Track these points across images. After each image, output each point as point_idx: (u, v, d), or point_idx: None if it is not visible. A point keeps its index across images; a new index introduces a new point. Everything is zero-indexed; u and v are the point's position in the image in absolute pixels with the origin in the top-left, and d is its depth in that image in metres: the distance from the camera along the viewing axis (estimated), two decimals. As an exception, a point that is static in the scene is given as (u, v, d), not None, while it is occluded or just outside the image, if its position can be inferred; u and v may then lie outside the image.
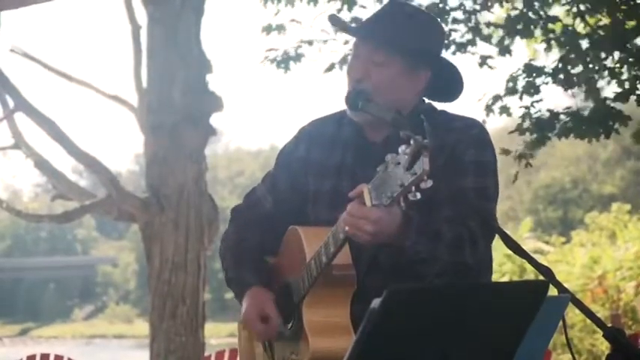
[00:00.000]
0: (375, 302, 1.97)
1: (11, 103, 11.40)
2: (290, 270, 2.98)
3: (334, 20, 3.22)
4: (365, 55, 2.95)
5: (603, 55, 7.23)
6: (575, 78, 7.28)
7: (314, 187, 3.04)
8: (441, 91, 3.05)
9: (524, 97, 7.41)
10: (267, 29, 7.84)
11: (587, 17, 7.47)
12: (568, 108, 7.39)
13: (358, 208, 2.59)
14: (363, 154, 2.98)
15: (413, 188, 2.40)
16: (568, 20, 7.59)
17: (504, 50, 7.67)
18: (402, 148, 2.42)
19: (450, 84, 3.05)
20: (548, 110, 7.38)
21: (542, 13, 7.54)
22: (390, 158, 2.45)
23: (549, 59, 7.72)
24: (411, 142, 2.39)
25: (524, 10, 7.52)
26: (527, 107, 7.38)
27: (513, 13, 7.63)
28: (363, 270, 2.86)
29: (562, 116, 7.33)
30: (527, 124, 7.37)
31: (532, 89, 7.37)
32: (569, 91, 7.40)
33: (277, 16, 7.85)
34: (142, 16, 10.92)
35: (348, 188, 2.86)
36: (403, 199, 2.44)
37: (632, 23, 7.12)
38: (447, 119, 3.00)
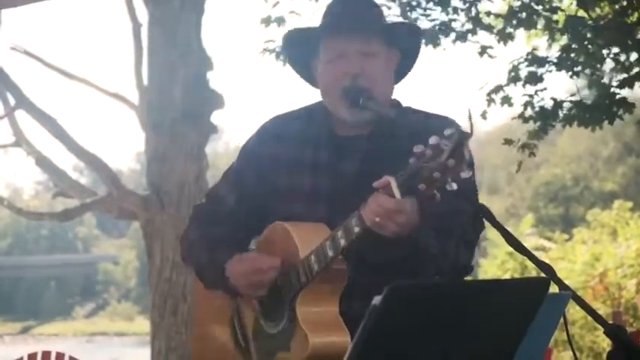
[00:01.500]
0: (377, 299, 1.97)
1: (12, 101, 11.40)
2: None
3: (296, 33, 3.09)
4: (354, 49, 2.91)
5: (606, 45, 7.22)
6: (579, 66, 7.27)
7: (286, 185, 2.99)
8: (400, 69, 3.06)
9: (527, 86, 7.40)
10: (267, 21, 7.83)
11: (589, 8, 7.46)
12: (572, 95, 7.37)
13: (390, 200, 2.56)
14: (338, 151, 2.97)
15: (450, 179, 2.41)
16: (570, 12, 7.57)
17: (505, 37, 7.61)
18: (433, 139, 2.42)
19: (408, 56, 3.07)
20: (552, 98, 7.36)
21: (544, 3, 7.52)
22: (421, 150, 2.45)
23: (552, 51, 7.69)
24: (448, 132, 2.40)
25: (527, 1, 7.50)
26: (530, 95, 7.36)
27: (516, 4, 7.61)
28: (350, 267, 2.85)
29: (565, 104, 7.32)
30: (529, 112, 7.36)
31: (535, 78, 7.35)
32: (572, 80, 7.40)
33: (276, 9, 7.84)
34: (142, 14, 10.92)
35: (326, 185, 2.92)
36: (438, 190, 2.44)
37: (635, 14, 7.11)
38: (422, 118, 3.00)
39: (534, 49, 7.68)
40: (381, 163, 2.83)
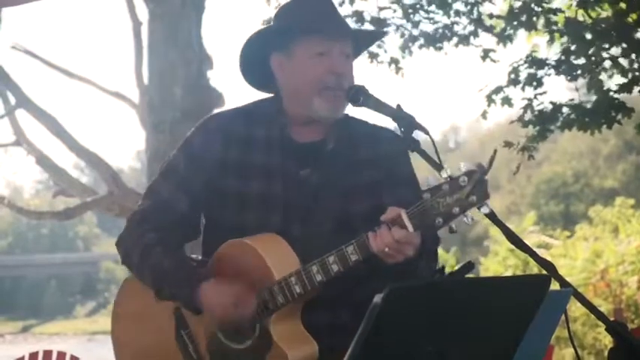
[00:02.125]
0: (378, 298, 1.97)
1: (13, 100, 11.41)
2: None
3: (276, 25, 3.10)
4: (338, 50, 2.94)
5: (606, 46, 7.22)
6: (578, 70, 7.27)
7: (236, 189, 2.95)
8: None
9: (527, 88, 7.40)
10: (268, 22, 7.84)
11: (589, 9, 7.46)
12: (571, 100, 7.38)
13: (404, 235, 2.61)
14: (292, 156, 2.96)
15: (469, 213, 2.50)
16: (570, 13, 7.57)
17: (505, 38, 7.64)
18: (446, 175, 2.51)
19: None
20: (551, 102, 7.36)
21: (544, 5, 7.52)
22: (435, 185, 2.52)
23: (551, 52, 7.70)
24: (465, 169, 2.49)
25: (527, 1, 7.51)
26: (529, 99, 7.37)
27: (516, 4, 7.62)
28: None
29: (565, 108, 7.32)
30: (529, 115, 7.36)
31: (534, 81, 7.35)
32: (572, 83, 7.39)
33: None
34: (143, 12, 10.92)
35: (278, 191, 2.90)
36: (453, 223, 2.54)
37: (634, 16, 7.11)
38: (372, 128, 3.04)
39: (534, 51, 7.68)
40: (340, 175, 2.89)
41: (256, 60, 3.02)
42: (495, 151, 2.53)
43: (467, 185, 2.47)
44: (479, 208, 2.50)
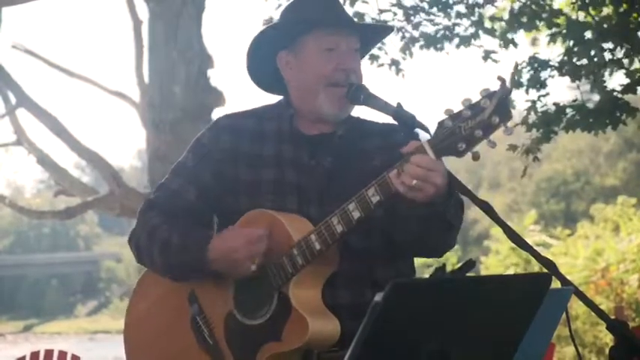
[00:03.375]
0: (379, 296, 1.97)
1: (13, 100, 11.41)
2: None
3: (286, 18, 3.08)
4: (346, 45, 2.95)
5: (610, 46, 7.21)
6: (581, 70, 7.26)
7: (249, 177, 2.95)
8: None
9: (530, 91, 7.40)
10: (269, 22, 7.85)
11: (590, 9, 7.46)
12: (574, 101, 7.37)
13: (429, 160, 2.55)
14: (302, 146, 2.96)
15: (489, 135, 2.45)
16: (572, 13, 7.57)
17: (508, 42, 7.66)
18: (468, 104, 2.47)
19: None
20: (554, 104, 7.36)
21: (545, 6, 7.52)
22: (454, 114, 2.48)
23: (554, 53, 7.71)
24: (488, 90, 2.44)
25: (528, 3, 7.51)
26: (533, 102, 7.37)
27: (517, 5, 7.62)
28: None
29: (568, 109, 7.32)
30: (532, 117, 7.36)
31: (538, 83, 7.35)
32: (575, 84, 7.38)
33: (279, 10, 7.86)
34: (143, 11, 10.92)
35: (292, 177, 2.90)
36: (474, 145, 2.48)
37: (636, 15, 7.11)
38: (380, 124, 3.04)
39: (536, 53, 7.69)
40: (351, 161, 2.88)
41: (262, 60, 3.03)
42: (517, 64, 2.51)
43: (489, 106, 2.43)
44: (504, 129, 2.44)
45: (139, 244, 3.02)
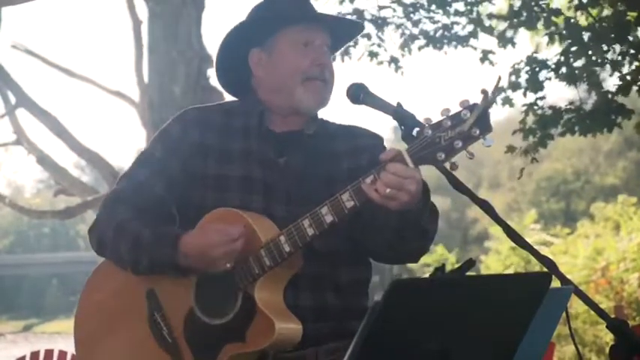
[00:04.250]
0: (378, 296, 1.97)
1: (13, 99, 11.42)
2: None
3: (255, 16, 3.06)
4: (320, 41, 2.96)
5: (605, 47, 7.23)
6: (577, 72, 7.28)
7: (217, 172, 2.91)
8: None
9: (528, 93, 7.42)
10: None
11: (588, 9, 7.47)
12: (571, 103, 7.39)
13: (405, 169, 2.54)
14: (270, 143, 2.94)
15: (468, 146, 2.45)
16: (570, 12, 7.58)
17: (506, 42, 7.67)
18: (448, 114, 2.46)
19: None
20: (551, 107, 7.38)
21: (543, 5, 7.54)
22: (434, 124, 2.48)
23: (551, 53, 7.72)
24: (468, 102, 2.44)
25: (527, 1, 7.52)
26: (530, 105, 7.39)
27: (517, 4, 7.63)
28: None
29: (565, 113, 7.35)
30: (530, 119, 7.38)
31: (535, 85, 7.37)
32: (572, 86, 7.40)
33: None
34: (143, 11, 10.92)
35: (259, 174, 2.88)
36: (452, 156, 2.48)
37: (633, 14, 7.11)
38: (346, 127, 3.05)
39: (535, 52, 7.70)
40: (321, 162, 2.88)
41: (232, 60, 3.02)
42: (499, 78, 2.50)
43: (469, 118, 2.43)
44: (483, 141, 2.44)
45: (104, 238, 2.95)
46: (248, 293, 2.75)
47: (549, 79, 7.41)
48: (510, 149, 7.30)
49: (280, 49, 2.95)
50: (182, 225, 2.91)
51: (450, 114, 2.47)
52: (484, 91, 2.42)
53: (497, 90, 2.43)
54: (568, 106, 7.36)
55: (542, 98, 7.41)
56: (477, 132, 2.43)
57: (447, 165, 2.50)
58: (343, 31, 3.11)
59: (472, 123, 2.43)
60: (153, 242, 2.82)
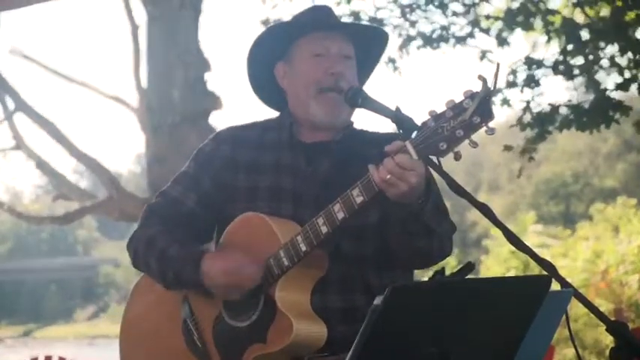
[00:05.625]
0: (378, 299, 1.97)
1: (11, 105, 11.41)
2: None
3: (273, 29, 3.08)
4: (336, 50, 2.94)
5: (603, 45, 7.24)
6: (575, 69, 7.29)
7: (247, 184, 2.96)
8: None
9: (525, 90, 7.43)
10: (266, 23, 7.87)
11: (586, 8, 7.48)
12: (569, 101, 7.40)
13: (407, 160, 2.55)
14: (299, 153, 2.97)
15: (471, 134, 2.45)
16: (567, 12, 7.59)
17: (503, 42, 7.68)
18: (450, 105, 2.46)
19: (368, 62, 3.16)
20: (549, 104, 7.39)
21: (541, 5, 7.55)
22: (440, 112, 2.49)
23: (549, 52, 7.73)
24: (470, 91, 2.44)
25: (524, 2, 7.53)
26: (527, 102, 7.39)
27: (514, 5, 7.65)
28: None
29: (563, 109, 7.35)
30: (527, 117, 7.39)
31: (532, 82, 7.38)
32: (570, 83, 7.41)
33: (275, 10, 7.89)
34: (140, 15, 10.92)
35: (289, 184, 2.91)
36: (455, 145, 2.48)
37: (631, 14, 7.12)
38: (379, 134, 3.06)
39: (532, 53, 7.72)
40: (350, 167, 2.87)
41: (263, 75, 3.05)
42: (498, 65, 2.49)
43: (470, 106, 2.43)
44: (486, 129, 2.44)
45: (137, 250, 3.04)
46: (269, 294, 2.79)
47: (546, 76, 7.42)
48: (507, 148, 7.30)
49: (297, 60, 2.97)
50: (219, 236, 2.99)
51: (453, 104, 2.48)
52: (482, 78, 2.42)
53: (497, 77, 2.41)
54: (566, 103, 7.37)
55: (539, 95, 7.42)
56: (479, 120, 2.44)
57: (451, 155, 2.51)
58: (366, 39, 3.05)
59: (473, 111, 2.43)
60: (178, 259, 2.90)
